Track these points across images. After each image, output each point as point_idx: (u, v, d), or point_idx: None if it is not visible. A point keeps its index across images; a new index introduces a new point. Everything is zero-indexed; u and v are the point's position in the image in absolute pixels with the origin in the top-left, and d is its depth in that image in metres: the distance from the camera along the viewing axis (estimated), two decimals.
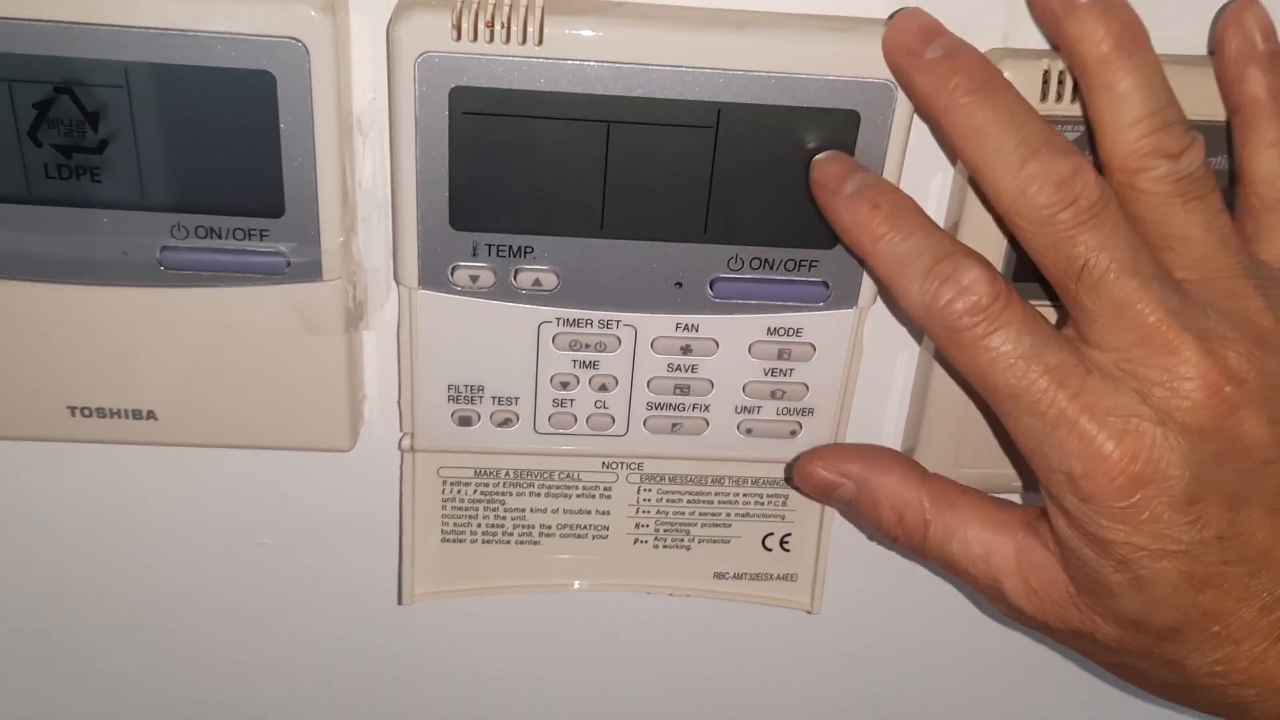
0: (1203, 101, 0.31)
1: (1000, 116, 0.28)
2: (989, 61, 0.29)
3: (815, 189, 0.31)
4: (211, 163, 0.31)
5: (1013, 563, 0.32)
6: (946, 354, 0.30)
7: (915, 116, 0.31)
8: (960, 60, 0.29)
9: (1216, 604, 0.29)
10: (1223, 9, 0.31)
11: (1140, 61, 0.29)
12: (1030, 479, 0.35)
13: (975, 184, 0.31)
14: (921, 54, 0.29)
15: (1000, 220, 0.30)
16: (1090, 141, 0.30)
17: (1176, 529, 0.29)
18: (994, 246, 0.33)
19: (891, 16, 0.30)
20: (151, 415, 0.35)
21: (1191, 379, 0.28)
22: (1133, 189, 0.29)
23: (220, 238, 0.32)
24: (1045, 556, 0.31)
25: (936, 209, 0.34)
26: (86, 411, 0.35)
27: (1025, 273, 0.32)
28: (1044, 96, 0.31)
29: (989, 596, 0.33)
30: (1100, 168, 0.30)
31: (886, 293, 0.33)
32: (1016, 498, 0.36)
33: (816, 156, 0.31)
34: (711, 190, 0.32)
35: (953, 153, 0.32)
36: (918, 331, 0.37)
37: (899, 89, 0.30)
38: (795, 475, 0.36)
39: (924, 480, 0.33)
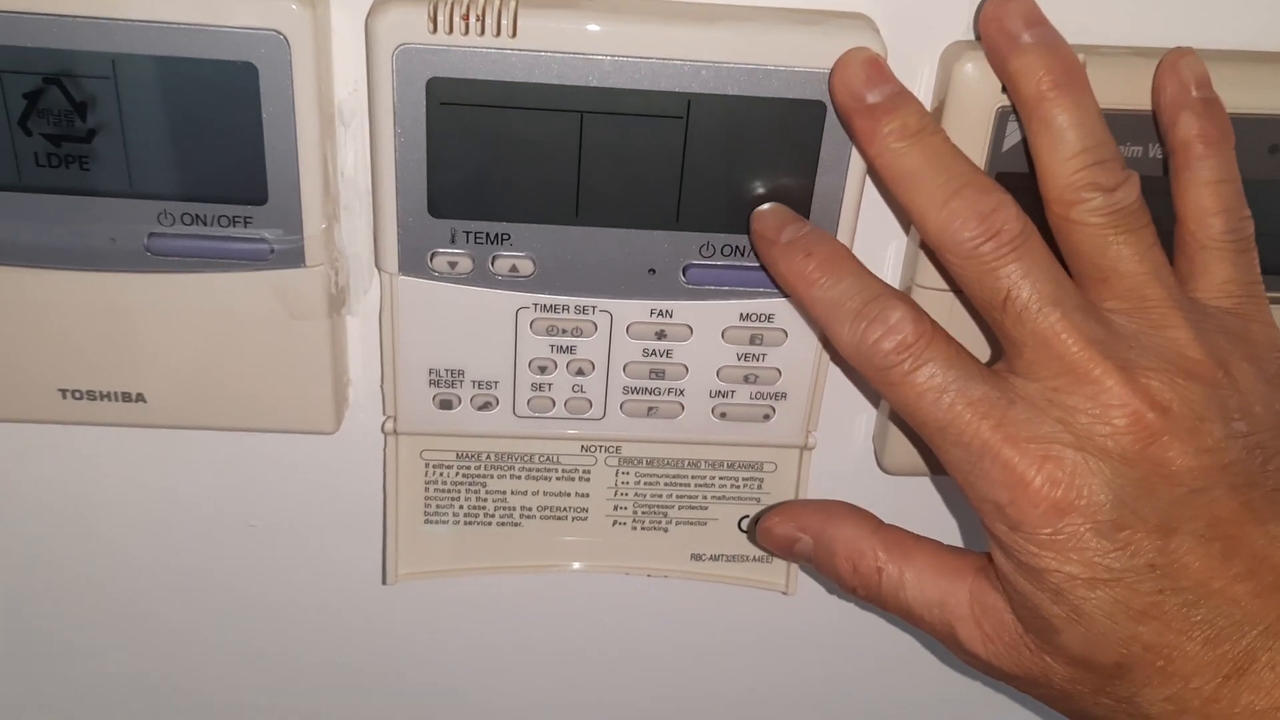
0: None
1: (930, 160, 0.30)
2: (923, 109, 0.31)
3: (755, 239, 0.33)
4: (196, 152, 0.32)
5: (966, 608, 0.32)
6: (879, 391, 0.31)
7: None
8: (898, 107, 0.30)
9: (1158, 637, 0.29)
10: (1162, 59, 0.32)
11: (1078, 100, 0.30)
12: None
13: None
14: (863, 98, 0.30)
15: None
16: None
17: (1105, 556, 0.29)
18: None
19: (842, 56, 0.31)
20: (140, 398, 0.36)
21: (1114, 406, 0.29)
22: (1068, 221, 0.30)
23: (205, 225, 0.33)
24: (995, 598, 0.32)
25: (899, 235, 0.36)
26: (77, 394, 0.36)
27: None
28: (1005, 89, 0.31)
29: (946, 643, 0.33)
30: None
31: (825, 337, 0.35)
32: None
33: (757, 209, 0.33)
34: (683, 179, 0.33)
35: (887, 192, 0.33)
36: None
37: None
38: (758, 534, 0.37)
39: (877, 530, 0.34)
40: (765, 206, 0.33)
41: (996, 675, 0.33)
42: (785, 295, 0.34)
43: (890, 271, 0.36)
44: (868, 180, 0.33)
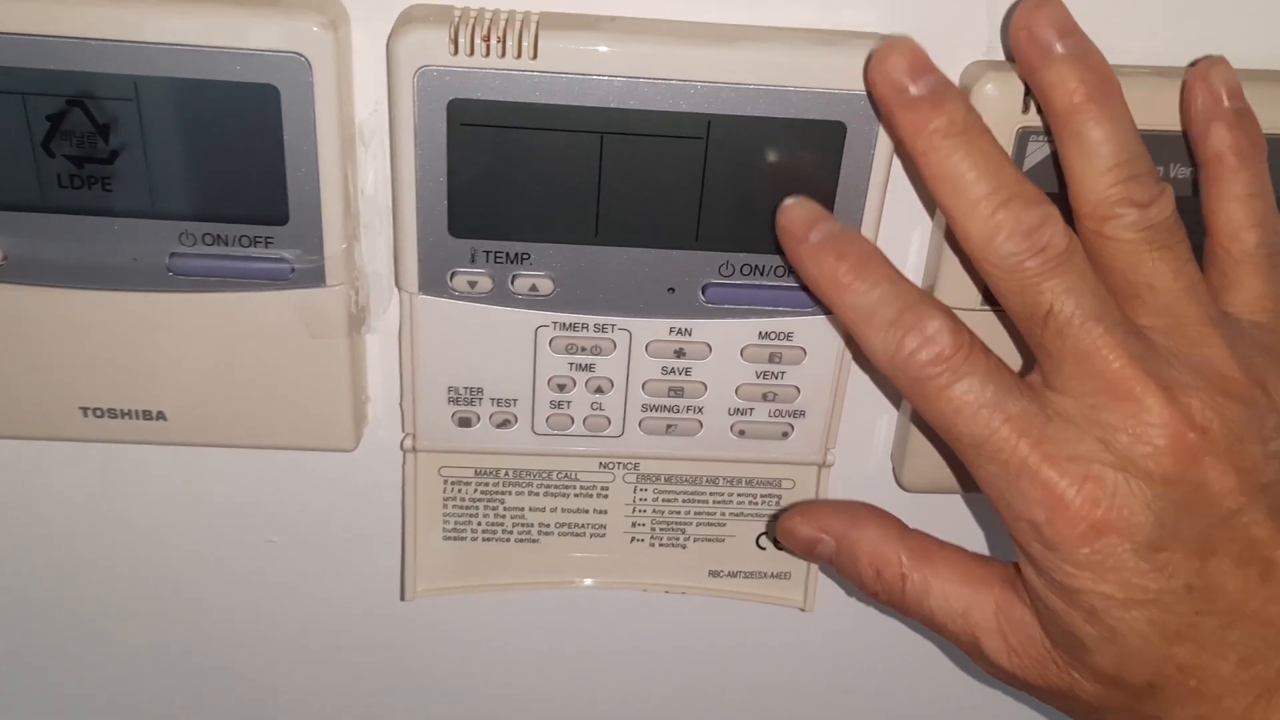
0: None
1: (976, 163, 0.29)
2: (971, 106, 0.30)
3: (781, 236, 0.32)
4: (218, 173, 0.32)
5: (991, 619, 0.32)
6: (912, 403, 0.30)
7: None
8: (943, 102, 0.29)
9: (1192, 658, 0.29)
10: (1191, 66, 0.31)
11: (1112, 113, 0.29)
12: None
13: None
14: (906, 89, 0.29)
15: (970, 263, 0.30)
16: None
17: (1143, 577, 0.29)
18: (974, 292, 0.34)
19: (881, 43, 0.30)
20: (161, 416, 0.36)
21: (1154, 426, 0.28)
22: (1101, 236, 0.29)
23: (227, 245, 0.33)
24: (1022, 611, 0.31)
25: (919, 249, 0.35)
26: (98, 412, 0.36)
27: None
28: (1025, 109, 0.31)
29: (969, 654, 0.33)
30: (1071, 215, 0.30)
31: (853, 341, 0.34)
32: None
33: (783, 204, 0.32)
34: (702, 199, 0.33)
35: (925, 190, 0.33)
36: None
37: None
38: (779, 531, 0.36)
39: (902, 536, 0.33)
40: (791, 200, 0.32)
41: (1019, 686, 0.32)
42: (813, 302, 0.34)
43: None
44: (886, 205, 0.33)
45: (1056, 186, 0.31)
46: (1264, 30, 0.33)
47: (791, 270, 0.33)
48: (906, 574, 0.33)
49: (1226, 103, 0.31)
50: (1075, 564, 0.29)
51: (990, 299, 0.34)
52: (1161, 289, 0.30)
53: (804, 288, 0.34)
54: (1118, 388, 0.29)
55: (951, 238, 0.33)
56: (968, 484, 0.38)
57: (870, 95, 0.30)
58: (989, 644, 0.32)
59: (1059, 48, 0.29)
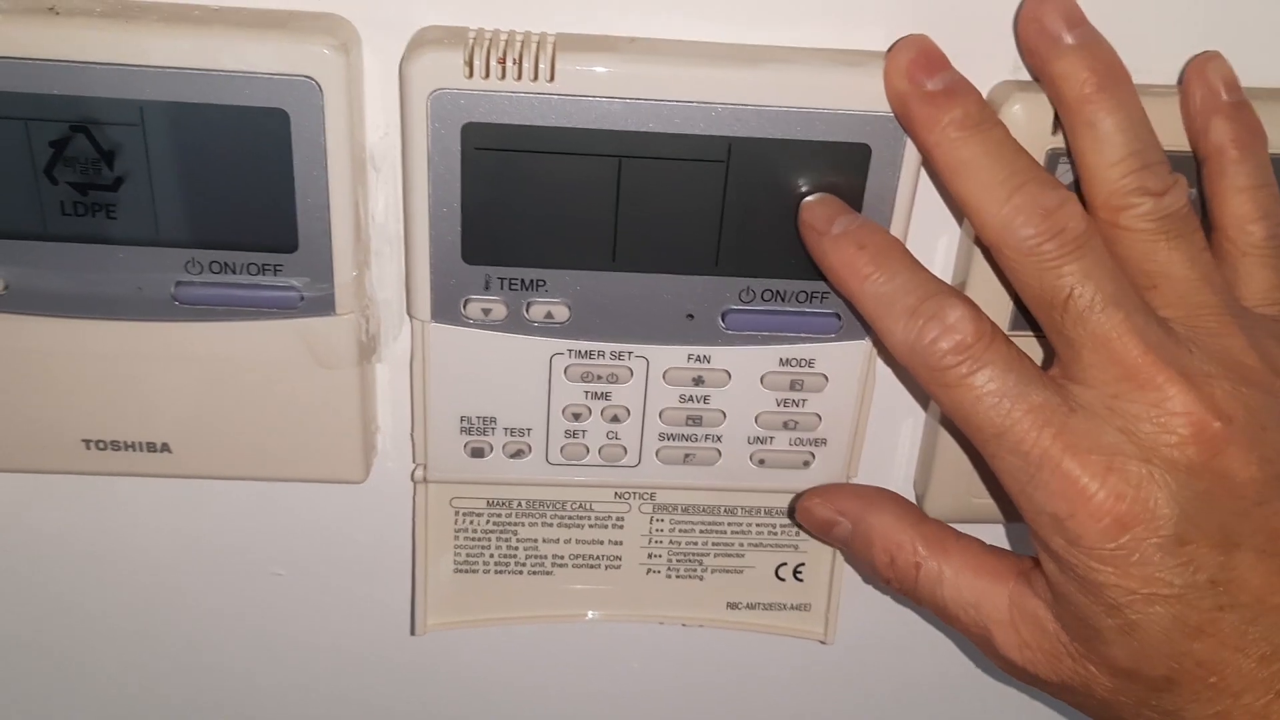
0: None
1: (989, 151, 0.29)
2: (984, 100, 0.30)
3: (803, 230, 0.32)
4: (225, 199, 0.31)
5: (1004, 612, 0.31)
6: (931, 394, 0.30)
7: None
8: (958, 96, 0.29)
9: (1212, 653, 0.29)
10: (1189, 62, 0.31)
11: (1123, 102, 0.29)
12: (1011, 511, 0.35)
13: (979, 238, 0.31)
14: (922, 84, 0.29)
15: (991, 257, 0.30)
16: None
17: (1167, 572, 0.28)
18: (1001, 306, 0.33)
19: (896, 41, 0.30)
20: (166, 448, 0.35)
21: (1178, 415, 0.28)
22: (1116, 227, 0.29)
23: (234, 273, 0.32)
24: (1037, 605, 0.31)
25: (943, 269, 0.35)
26: (101, 445, 0.35)
27: (1026, 325, 0.32)
28: (1055, 129, 0.31)
29: (980, 646, 0.32)
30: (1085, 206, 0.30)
31: (875, 335, 0.33)
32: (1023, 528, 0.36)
33: (805, 199, 0.31)
34: (723, 223, 0.32)
35: (942, 184, 0.32)
36: None
37: None
38: (797, 512, 0.36)
39: (919, 523, 0.33)
40: (814, 197, 0.31)
41: (1030, 682, 0.32)
42: (836, 327, 0.33)
43: None
44: (912, 224, 0.33)
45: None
46: (1267, 49, 0.32)
47: (817, 295, 0.33)
48: (920, 562, 0.32)
49: (1224, 96, 0.30)
50: (1098, 559, 0.28)
51: (1018, 323, 0.33)
52: (1177, 278, 0.29)
53: (831, 315, 0.34)
54: (1139, 376, 0.28)
55: (978, 259, 0.32)
56: (1001, 512, 0.37)
57: (888, 96, 0.30)
58: (1001, 637, 0.31)
59: (1068, 39, 0.29)
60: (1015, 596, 0.31)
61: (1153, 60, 0.31)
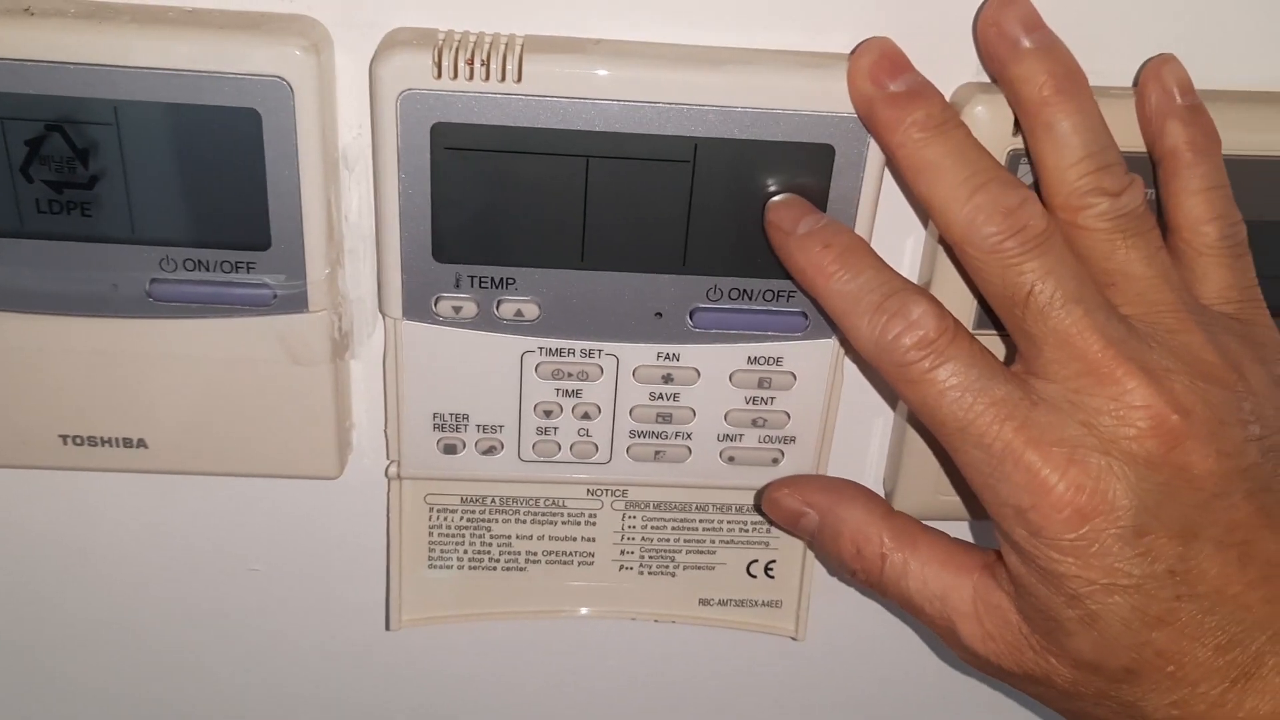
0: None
1: (951, 152, 0.29)
2: (946, 101, 0.30)
3: (770, 229, 0.32)
4: (199, 198, 0.31)
5: (969, 604, 0.32)
6: (896, 389, 0.30)
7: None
8: (920, 98, 0.30)
9: (1171, 643, 0.29)
10: (1144, 65, 0.31)
11: (1080, 105, 0.29)
12: (977, 508, 0.35)
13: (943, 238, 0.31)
14: (885, 86, 0.30)
15: (955, 256, 0.31)
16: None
17: (1126, 562, 0.29)
18: (965, 305, 0.33)
19: (859, 44, 0.31)
20: (142, 443, 0.35)
21: (1137, 408, 0.28)
22: (1074, 226, 0.30)
23: (208, 270, 0.32)
24: (1000, 597, 0.31)
25: (909, 269, 0.35)
26: (78, 440, 0.35)
27: (990, 324, 0.32)
28: (1016, 131, 0.31)
29: (944, 638, 0.33)
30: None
31: (841, 334, 0.34)
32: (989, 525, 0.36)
33: (772, 200, 0.32)
34: (690, 223, 0.32)
35: (906, 184, 0.33)
36: None
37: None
38: (764, 503, 0.36)
39: (886, 516, 0.33)
40: (780, 198, 0.32)
41: (993, 673, 0.32)
42: (803, 326, 0.34)
43: None
44: (876, 225, 0.33)
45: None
46: (1221, 51, 0.32)
47: (784, 295, 0.33)
48: (887, 554, 0.33)
49: (1179, 99, 0.31)
50: (1059, 550, 0.29)
51: (982, 323, 0.33)
52: (1135, 276, 0.30)
53: (798, 314, 0.34)
54: (1099, 370, 0.29)
55: (942, 259, 0.33)
56: (966, 509, 0.37)
57: (852, 98, 0.31)
58: (965, 629, 0.32)
59: (1026, 42, 0.30)
60: (980, 589, 0.32)
61: (1110, 62, 0.32)
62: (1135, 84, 0.32)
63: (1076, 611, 0.29)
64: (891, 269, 0.31)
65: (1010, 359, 0.33)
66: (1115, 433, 0.29)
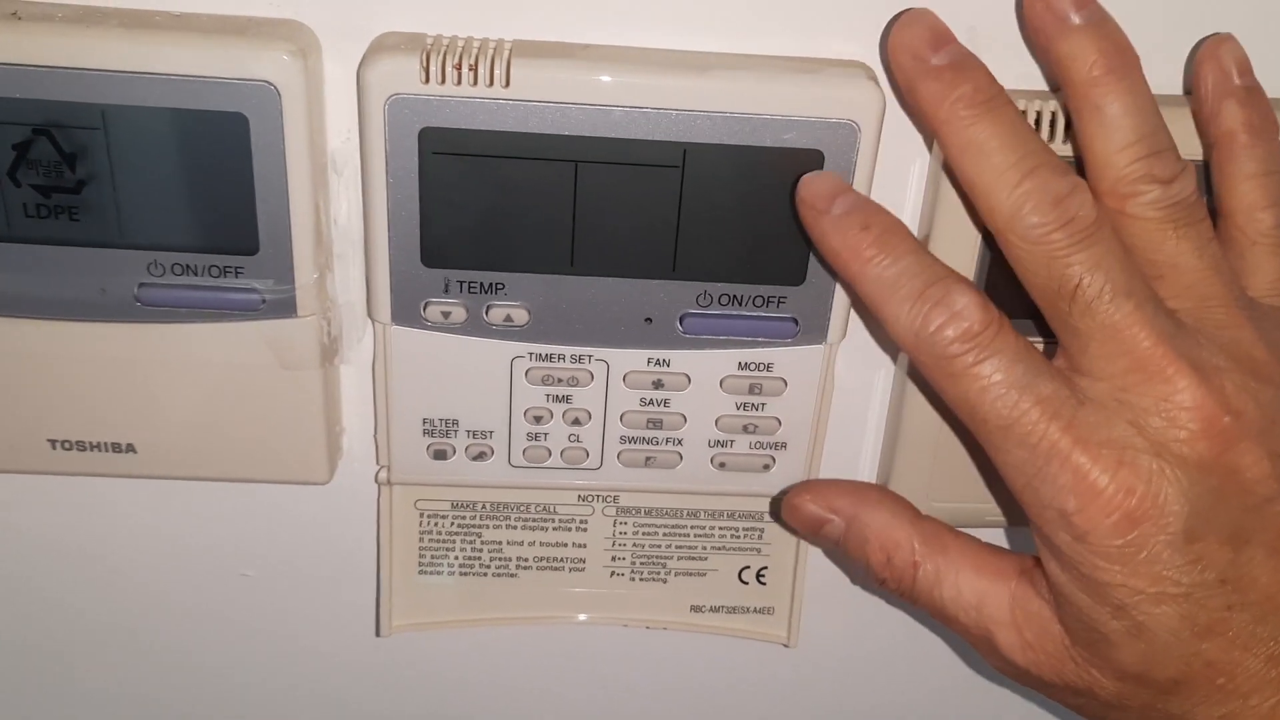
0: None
1: (1000, 133, 0.28)
2: (993, 76, 0.29)
3: (801, 207, 0.30)
4: (187, 202, 0.31)
5: (1006, 612, 0.31)
6: (934, 383, 0.29)
7: (878, 156, 0.31)
8: (966, 71, 0.28)
9: (1221, 654, 0.28)
10: (1199, 44, 0.31)
11: (1132, 86, 0.28)
12: (1015, 513, 0.34)
13: (968, 203, 0.30)
14: (928, 59, 0.28)
15: (993, 241, 0.29)
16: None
17: (1176, 570, 0.27)
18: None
19: (899, 15, 0.29)
20: (131, 448, 0.35)
21: (1188, 409, 0.27)
22: (1122, 214, 0.28)
23: (196, 275, 0.32)
24: (1040, 605, 0.30)
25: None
26: (66, 445, 0.35)
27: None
28: (1049, 139, 0.31)
29: (980, 649, 0.32)
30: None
31: (873, 321, 0.33)
32: (990, 534, 0.36)
33: (805, 175, 0.31)
34: (679, 228, 0.32)
35: (949, 163, 0.31)
36: (890, 364, 0.37)
37: (861, 130, 0.31)
38: (783, 510, 0.35)
39: (915, 520, 0.32)
40: (813, 172, 0.30)
41: (1032, 684, 0.31)
42: (793, 332, 0.33)
43: None
44: None
45: None
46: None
47: (774, 299, 0.33)
48: (919, 562, 0.31)
49: (1237, 80, 0.30)
50: (1106, 556, 0.28)
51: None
52: (1185, 269, 0.29)
53: (789, 320, 0.34)
54: (1149, 368, 0.27)
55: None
56: (1004, 516, 0.36)
57: (889, 69, 0.29)
58: (1003, 638, 0.31)
59: (1076, 18, 0.28)
60: (1018, 597, 0.30)
61: (1153, 50, 0.30)
62: (1190, 67, 0.30)
63: (1122, 623, 0.28)
64: (932, 255, 0.29)
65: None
66: (1165, 434, 0.27)
